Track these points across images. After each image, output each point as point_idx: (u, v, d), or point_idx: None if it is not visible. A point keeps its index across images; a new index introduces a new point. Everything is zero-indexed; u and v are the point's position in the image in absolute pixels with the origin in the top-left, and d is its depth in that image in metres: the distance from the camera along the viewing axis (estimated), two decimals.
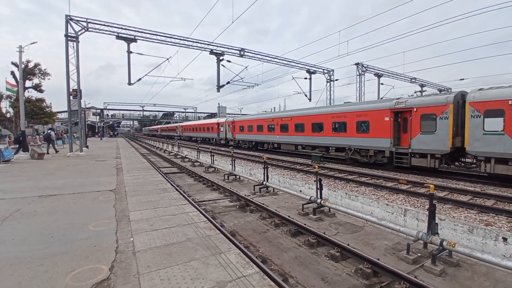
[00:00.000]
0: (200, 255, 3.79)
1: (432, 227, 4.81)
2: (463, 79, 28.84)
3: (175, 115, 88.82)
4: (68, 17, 17.04)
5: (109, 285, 3.03)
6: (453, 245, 4.31)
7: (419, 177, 11.31)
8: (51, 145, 19.99)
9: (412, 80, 33.66)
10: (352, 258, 4.80)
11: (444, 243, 4.43)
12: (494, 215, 6.71)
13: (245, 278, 3.17)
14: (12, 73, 25.91)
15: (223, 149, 26.12)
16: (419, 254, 4.92)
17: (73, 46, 17.46)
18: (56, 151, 19.95)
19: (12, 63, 25.81)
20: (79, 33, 17.52)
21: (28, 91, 28.40)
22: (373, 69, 29.98)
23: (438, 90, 35.79)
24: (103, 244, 4.12)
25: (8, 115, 30.33)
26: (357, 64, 28.56)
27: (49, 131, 22.01)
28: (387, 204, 7.65)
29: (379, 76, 30.80)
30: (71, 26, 17.25)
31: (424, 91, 34.65)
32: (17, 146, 17.52)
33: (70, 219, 5.28)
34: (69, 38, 17.18)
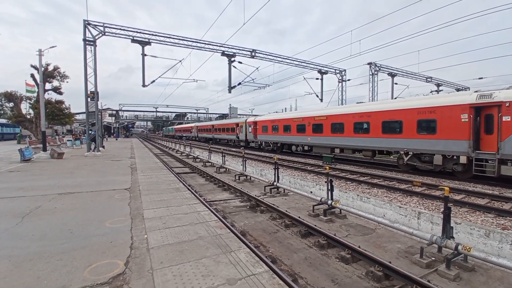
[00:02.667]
0: (211, 253, 3.88)
1: (447, 231, 4.69)
2: (482, 78, 27.80)
3: (187, 116, 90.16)
4: (86, 22, 17.70)
5: (125, 279, 3.16)
6: (469, 250, 4.20)
7: (434, 180, 11.00)
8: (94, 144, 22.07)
9: (428, 79, 32.74)
10: (363, 261, 4.75)
11: (460, 247, 4.32)
12: (511, 218, 6.46)
13: (255, 277, 3.22)
14: (32, 75, 27.03)
15: (234, 149, 26.29)
16: (433, 258, 4.81)
17: (91, 50, 18.10)
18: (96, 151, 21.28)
19: (32, 66, 26.88)
20: (96, 37, 18.15)
21: (48, 93, 29.57)
22: (387, 68, 29.38)
23: (455, 89, 34.65)
24: (119, 240, 4.28)
25: (28, 116, 31.68)
26: (369, 63, 28.09)
27: (94, 132, 23.86)
28: (400, 207, 7.50)
29: (393, 75, 30.15)
30: (88, 30, 17.90)
31: (440, 90, 33.65)
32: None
33: (88, 216, 5.50)
34: (87, 42, 17.83)
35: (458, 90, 34.19)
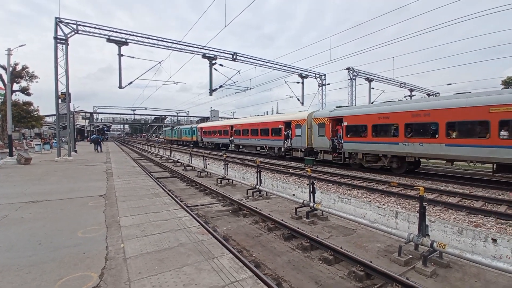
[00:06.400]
0: (192, 260, 3.74)
1: (423, 229, 4.88)
2: (450, 84, 29.66)
3: (167, 119, 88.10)
4: (58, 20, 16.80)
5: None
6: (443, 246, 4.38)
7: (410, 180, 11.49)
8: (98, 146, 25.51)
9: (402, 85, 34.40)
10: (345, 261, 4.82)
11: (435, 244, 4.49)
12: (482, 216, 6.86)
13: (239, 283, 3.14)
14: (0, 76, 25.28)
15: (215, 153, 25.99)
16: (411, 256, 4.98)
17: (62, 49, 17.19)
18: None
19: (0, 66, 25.18)
20: (68, 35, 17.27)
21: (15, 94, 27.74)
22: (364, 73, 30.50)
23: (427, 95, 36.65)
24: (93, 251, 4.02)
25: None
26: (348, 68, 29.02)
27: (97, 135, 28.17)
28: (379, 207, 7.74)
29: (369, 80, 31.35)
30: (60, 28, 17.00)
31: (413, 95, 35.45)
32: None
33: (58, 226, 5.13)
34: (58, 41, 16.91)
35: (429, 95, 36.19)
